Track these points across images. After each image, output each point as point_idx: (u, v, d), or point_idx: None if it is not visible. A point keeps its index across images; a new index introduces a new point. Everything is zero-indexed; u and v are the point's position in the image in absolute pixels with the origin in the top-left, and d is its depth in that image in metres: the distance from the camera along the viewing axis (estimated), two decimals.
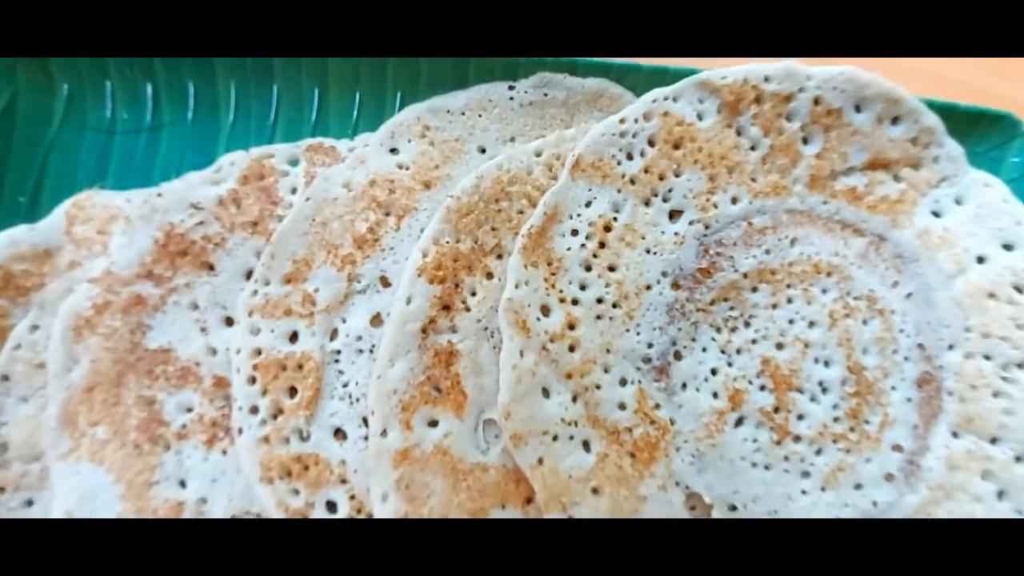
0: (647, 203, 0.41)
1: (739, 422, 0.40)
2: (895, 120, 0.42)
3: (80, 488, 0.37)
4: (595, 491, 0.37)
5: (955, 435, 0.41)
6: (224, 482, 0.37)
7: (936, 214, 0.44)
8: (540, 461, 0.36)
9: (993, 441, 0.40)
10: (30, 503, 0.38)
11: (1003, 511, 0.40)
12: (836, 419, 0.40)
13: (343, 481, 0.37)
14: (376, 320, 0.39)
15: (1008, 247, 0.43)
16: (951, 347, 0.42)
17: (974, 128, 0.44)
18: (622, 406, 0.38)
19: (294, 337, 0.39)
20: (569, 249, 0.39)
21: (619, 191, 0.40)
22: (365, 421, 0.38)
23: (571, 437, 0.37)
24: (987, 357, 0.41)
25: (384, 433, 0.36)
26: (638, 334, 0.39)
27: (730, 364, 0.40)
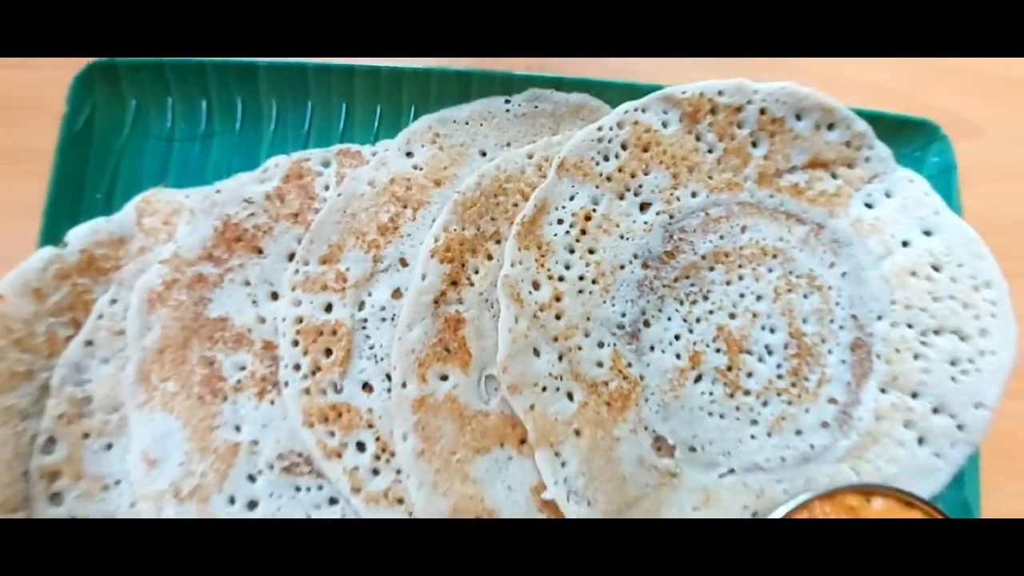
0: (621, 197, 0.48)
1: (698, 379, 0.47)
2: (830, 126, 0.50)
3: (154, 432, 0.45)
4: (577, 432, 0.44)
5: (882, 391, 0.48)
6: (273, 427, 0.45)
7: (868, 205, 0.51)
8: (532, 407, 0.44)
9: (914, 395, 0.48)
10: (110, 447, 0.46)
11: (922, 455, 0.47)
12: (780, 376, 0.48)
13: (370, 425, 0.45)
14: (396, 294, 0.47)
15: (927, 233, 0.50)
16: (879, 317, 0.49)
17: (900, 132, 0.51)
18: (599, 364, 0.46)
19: (329, 308, 0.46)
20: (556, 235, 0.47)
21: (597, 187, 0.48)
22: (388, 376, 0.45)
23: (557, 388, 0.45)
24: (909, 325, 0.49)
25: (404, 385, 0.44)
26: (613, 305, 0.47)
27: (691, 331, 0.48)
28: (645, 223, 0.48)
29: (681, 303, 0.48)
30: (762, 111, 0.49)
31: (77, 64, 0.49)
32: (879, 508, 0.42)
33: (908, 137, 0.51)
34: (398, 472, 0.44)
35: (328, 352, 0.45)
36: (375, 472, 0.44)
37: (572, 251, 0.47)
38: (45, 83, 0.49)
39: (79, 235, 0.47)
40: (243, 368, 0.46)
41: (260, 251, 0.47)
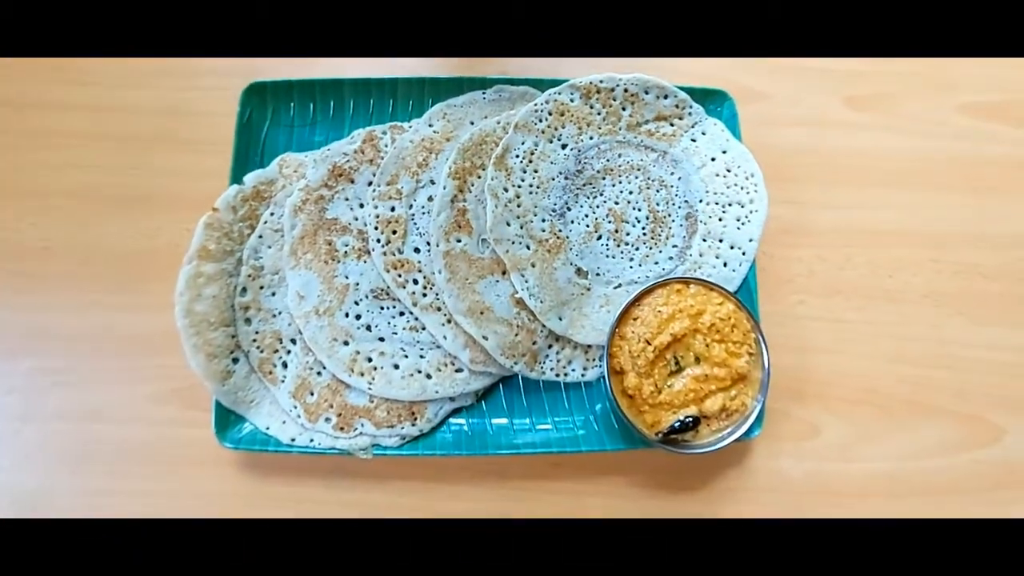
0: (551, 141, 0.86)
1: (599, 237, 0.84)
2: (665, 96, 0.88)
3: (300, 282, 0.81)
4: (532, 265, 0.81)
5: (703, 240, 0.86)
6: (366, 275, 0.81)
7: (693, 140, 0.89)
8: (507, 252, 0.80)
9: (720, 241, 0.85)
10: (274, 293, 0.82)
11: (726, 271, 0.84)
12: (644, 234, 0.85)
13: (420, 270, 0.81)
14: (430, 199, 0.83)
15: (724, 152, 0.87)
16: (700, 200, 0.87)
17: (707, 97, 0.88)
18: (543, 230, 0.83)
19: (393, 208, 0.83)
20: (515, 163, 0.84)
21: (537, 136, 0.86)
22: (428, 243, 0.82)
23: (521, 242, 0.81)
24: (716, 203, 0.87)
25: (438, 244, 0.81)
26: (549, 199, 0.84)
27: (594, 212, 0.85)
28: (565, 155, 0.86)
29: (588, 197, 0.85)
30: (626, 90, 0.87)
31: (240, 84, 0.86)
32: (693, 291, 0.79)
33: (712, 100, 0.89)
34: (436, 294, 0.81)
35: (394, 231, 0.82)
36: (424, 294, 0.81)
37: (524, 171, 0.84)
38: (220, 98, 0.87)
39: (249, 178, 0.83)
40: (348, 244, 0.82)
41: (353, 181, 0.84)
